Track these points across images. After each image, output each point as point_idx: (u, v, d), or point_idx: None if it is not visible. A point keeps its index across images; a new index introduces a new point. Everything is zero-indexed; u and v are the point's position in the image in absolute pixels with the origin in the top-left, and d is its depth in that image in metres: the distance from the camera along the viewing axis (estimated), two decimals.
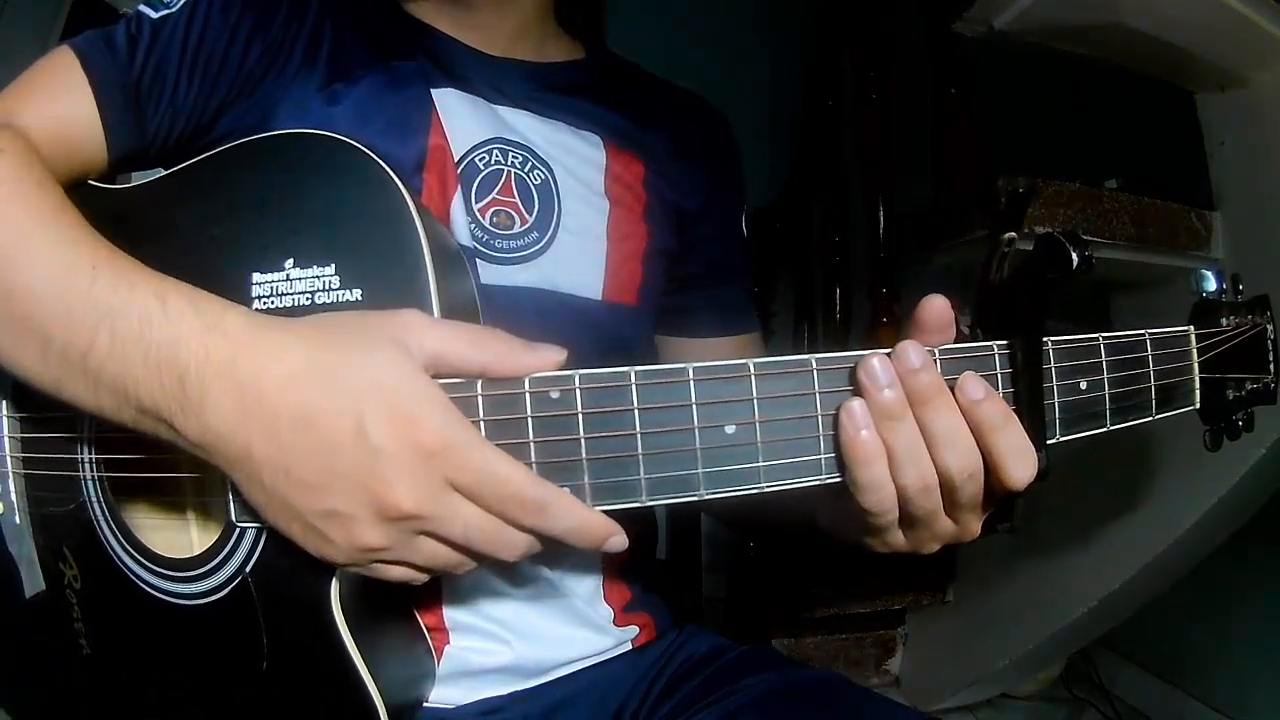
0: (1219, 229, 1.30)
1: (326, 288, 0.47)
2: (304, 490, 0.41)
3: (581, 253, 0.65)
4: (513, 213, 0.63)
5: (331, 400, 0.40)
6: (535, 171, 0.65)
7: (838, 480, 0.45)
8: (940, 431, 0.43)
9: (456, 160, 0.62)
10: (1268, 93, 1.21)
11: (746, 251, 0.78)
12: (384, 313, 0.43)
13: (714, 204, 0.75)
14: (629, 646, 0.69)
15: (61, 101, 0.56)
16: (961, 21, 1.32)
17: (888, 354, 0.43)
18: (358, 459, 0.39)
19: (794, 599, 1.63)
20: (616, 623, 0.68)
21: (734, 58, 1.97)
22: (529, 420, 0.42)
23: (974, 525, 0.48)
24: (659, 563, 0.76)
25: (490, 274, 0.61)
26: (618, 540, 0.43)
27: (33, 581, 0.57)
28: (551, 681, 0.64)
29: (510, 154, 0.64)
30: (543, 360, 0.43)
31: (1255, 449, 1.17)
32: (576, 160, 0.67)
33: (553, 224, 0.64)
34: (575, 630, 0.65)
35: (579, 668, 0.65)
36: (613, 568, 0.68)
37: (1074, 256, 0.42)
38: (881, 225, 1.59)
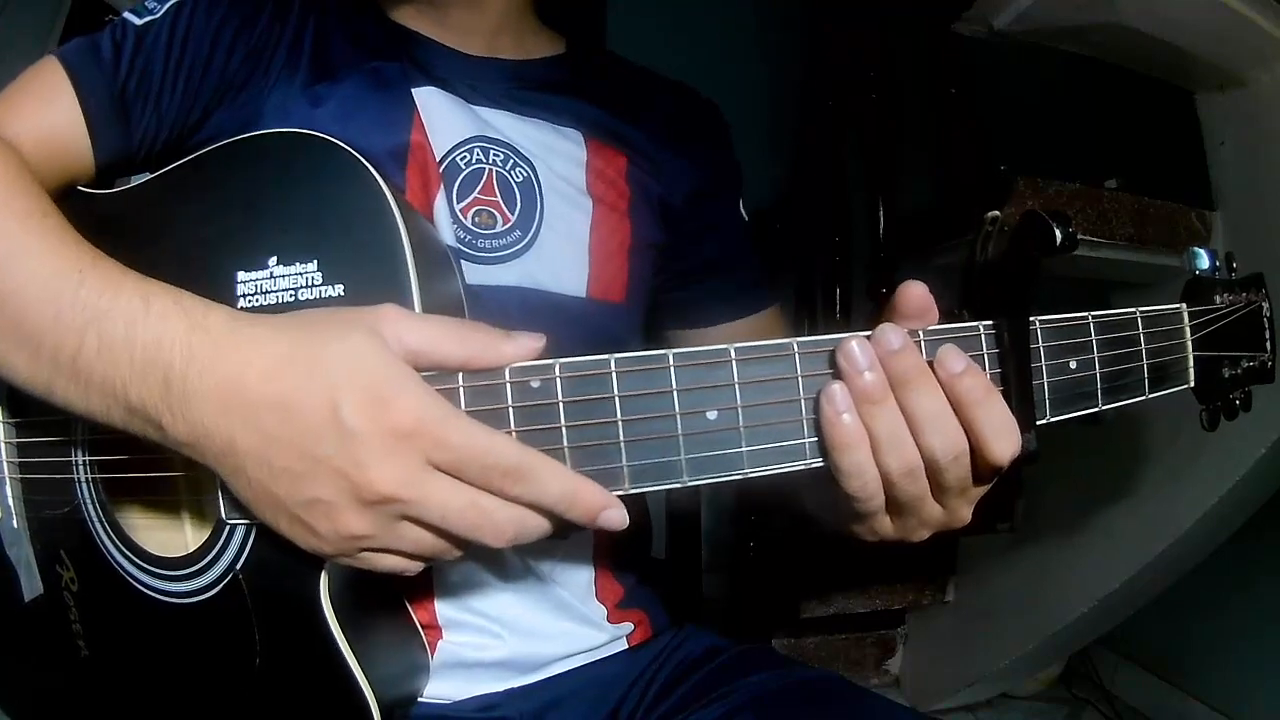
0: (1219, 229, 1.30)
1: (309, 284, 0.47)
2: (286, 480, 0.41)
3: (564, 251, 0.65)
4: (495, 212, 0.63)
5: (308, 388, 0.40)
6: (517, 170, 0.65)
7: (821, 465, 0.44)
8: (923, 414, 0.43)
9: (438, 159, 0.62)
10: (1268, 93, 1.21)
11: (748, 234, 0.77)
12: (364, 307, 0.43)
13: (707, 193, 0.74)
14: (624, 644, 0.69)
15: (48, 110, 0.56)
16: (961, 21, 1.32)
17: (867, 336, 0.43)
18: (334, 444, 0.40)
19: (794, 599, 1.63)
20: (610, 619, 0.68)
21: (734, 58, 1.96)
22: (510, 410, 0.42)
23: (963, 510, 0.47)
24: (655, 561, 0.76)
25: (474, 274, 0.61)
26: (614, 514, 0.42)
27: (31, 585, 0.57)
28: (548, 679, 0.64)
29: (492, 152, 0.64)
30: (521, 349, 0.43)
31: (1256, 448, 1.17)
32: (558, 158, 0.67)
33: (535, 222, 0.64)
34: (569, 625, 0.65)
35: (574, 664, 0.65)
36: (605, 564, 0.68)
37: (1057, 233, 0.41)
38: (881, 225, 1.59)
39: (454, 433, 0.40)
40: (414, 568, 0.44)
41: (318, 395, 0.40)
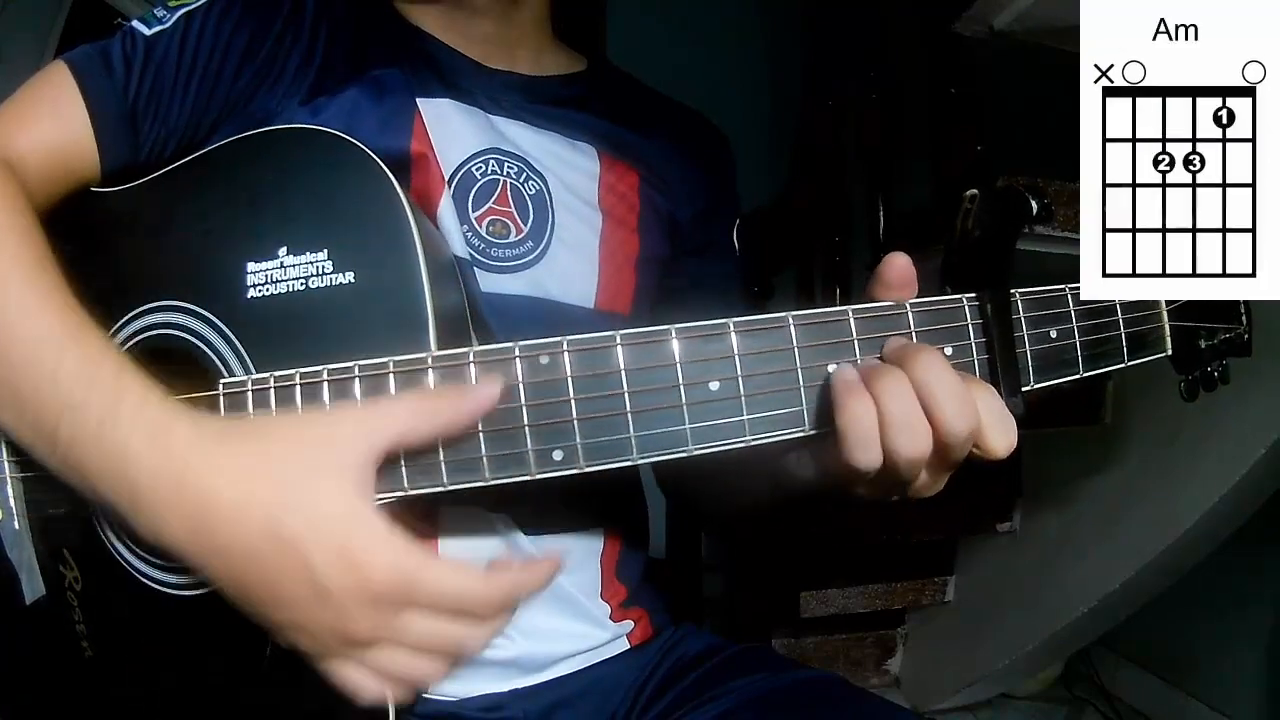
0: None
1: (319, 273, 0.48)
2: (264, 607, 0.42)
3: (574, 262, 0.66)
4: (508, 222, 0.64)
5: (277, 541, 0.40)
6: (530, 182, 0.66)
7: (814, 434, 0.45)
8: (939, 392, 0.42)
9: (453, 169, 0.63)
10: None
11: (738, 265, 0.78)
12: (327, 425, 0.43)
13: (707, 218, 0.75)
14: (625, 643, 0.69)
15: (58, 123, 0.56)
16: (961, 21, 1.32)
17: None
18: (311, 600, 0.41)
19: (794, 599, 1.63)
20: (613, 618, 0.68)
21: (734, 58, 1.97)
22: (520, 386, 0.44)
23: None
24: (655, 561, 0.77)
25: (486, 282, 0.62)
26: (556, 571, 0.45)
27: (33, 587, 0.57)
28: (553, 680, 0.64)
29: (506, 164, 0.65)
30: (480, 397, 0.43)
31: (1255, 449, 1.17)
32: (570, 171, 0.68)
33: (546, 234, 0.65)
34: (575, 625, 0.66)
35: (579, 664, 0.66)
36: (611, 565, 0.69)
37: (1033, 204, 0.44)
38: (881, 225, 1.59)
39: (428, 586, 0.41)
40: (403, 690, 0.44)
41: (288, 551, 0.40)
